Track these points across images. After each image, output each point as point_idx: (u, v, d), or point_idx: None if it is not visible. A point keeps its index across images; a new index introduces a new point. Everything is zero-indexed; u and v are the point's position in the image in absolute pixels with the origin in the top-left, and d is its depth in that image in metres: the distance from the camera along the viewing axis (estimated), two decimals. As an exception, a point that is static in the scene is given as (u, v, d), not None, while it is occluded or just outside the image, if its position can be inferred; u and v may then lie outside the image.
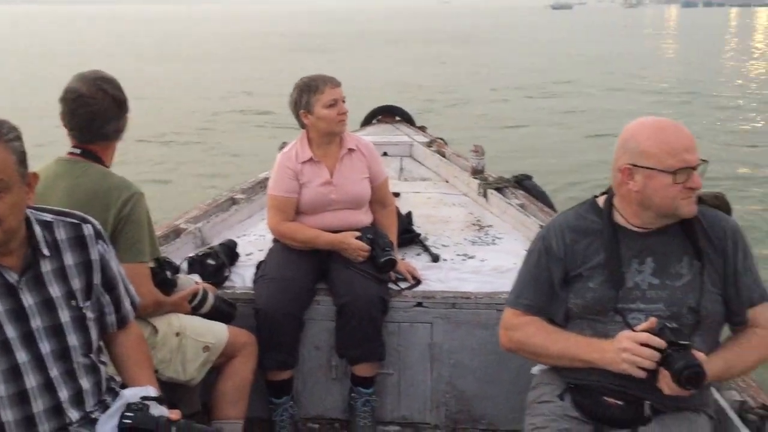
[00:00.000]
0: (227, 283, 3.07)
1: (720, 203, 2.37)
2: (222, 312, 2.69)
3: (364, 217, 3.14)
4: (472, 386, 3.00)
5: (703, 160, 1.97)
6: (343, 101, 3.03)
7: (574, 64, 24.45)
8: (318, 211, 3.06)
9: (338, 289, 2.93)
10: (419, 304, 2.96)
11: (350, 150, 3.12)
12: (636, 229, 2.06)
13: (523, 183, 4.40)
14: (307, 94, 2.99)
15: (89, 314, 1.86)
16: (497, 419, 2.99)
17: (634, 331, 1.90)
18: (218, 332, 2.58)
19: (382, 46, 31.83)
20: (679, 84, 19.60)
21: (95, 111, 2.30)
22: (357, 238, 2.98)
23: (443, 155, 5.08)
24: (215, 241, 3.41)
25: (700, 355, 1.83)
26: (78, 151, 2.35)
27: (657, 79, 20.30)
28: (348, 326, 2.86)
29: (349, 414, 3.01)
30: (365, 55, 29.04)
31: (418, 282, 3.07)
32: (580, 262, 2.08)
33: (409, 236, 3.53)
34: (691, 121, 13.47)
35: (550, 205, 4.26)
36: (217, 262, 3.07)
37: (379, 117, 6.31)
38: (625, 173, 2.01)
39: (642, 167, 1.97)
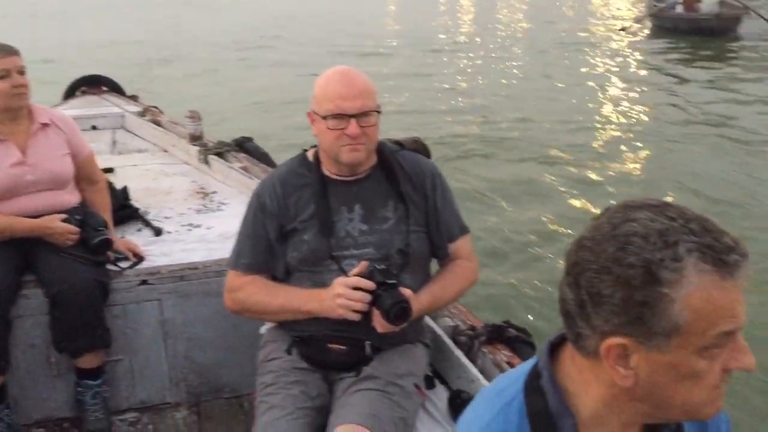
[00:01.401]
0: None
1: (419, 147, 2.55)
2: None
3: (70, 197, 2.87)
4: (211, 357, 2.94)
5: (377, 111, 2.02)
6: (21, 72, 2.71)
7: (293, 23, 24.60)
8: (13, 196, 2.72)
9: (48, 279, 2.66)
10: (144, 282, 2.81)
11: (44, 125, 2.82)
12: (342, 178, 2.12)
13: (244, 146, 4.35)
14: None
15: None
16: (240, 385, 2.97)
17: (347, 276, 1.97)
18: None
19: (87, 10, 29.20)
20: (399, 42, 20.57)
21: None
22: (64, 220, 2.72)
23: (159, 124, 4.82)
24: None
25: (406, 292, 1.94)
26: None
27: (378, 37, 21.06)
28: (65, 317, 2.62)
29: (78, 410, 2.79)
30: (74, 20, 26.40)
31: (140, 259, 2.91)
32: (293, 216, 2.10)
33: (126, 212, 3.32)
34: (402, 74, 14.34)
35: (274, 166, 4.28)
36: None
37: (84, 89, 5.79)
38: (309, 119, 2.08)
39: (313, 113, 2.05)
